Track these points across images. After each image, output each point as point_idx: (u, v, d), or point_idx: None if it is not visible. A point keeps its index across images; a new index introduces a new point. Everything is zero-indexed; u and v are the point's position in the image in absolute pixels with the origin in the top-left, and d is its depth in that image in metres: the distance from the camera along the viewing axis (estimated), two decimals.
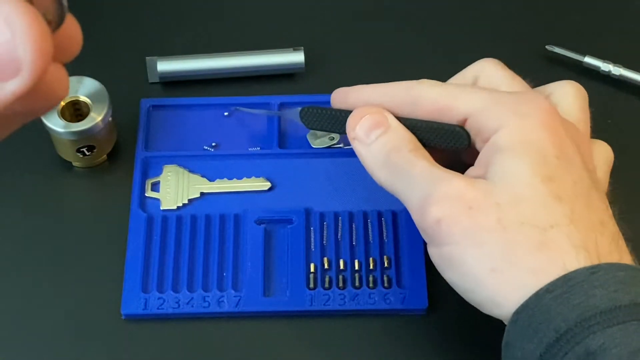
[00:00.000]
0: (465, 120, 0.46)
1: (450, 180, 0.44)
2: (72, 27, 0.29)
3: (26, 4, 0.25)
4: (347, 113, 0.50)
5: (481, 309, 0.44)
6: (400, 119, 0.48)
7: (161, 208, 0.56)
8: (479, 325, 0.53)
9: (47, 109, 0.29)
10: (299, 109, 0.53)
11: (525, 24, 0.67)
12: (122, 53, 0.64)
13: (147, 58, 0.62)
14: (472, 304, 0.45)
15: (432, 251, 0.46)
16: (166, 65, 0.62)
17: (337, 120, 0.51)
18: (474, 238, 0.43)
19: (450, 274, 0.45)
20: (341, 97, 0.52)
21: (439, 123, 0.47)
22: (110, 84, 0.57)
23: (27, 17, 0.25)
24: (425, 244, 0.55)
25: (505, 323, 0.43)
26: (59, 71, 0.28)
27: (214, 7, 0.67)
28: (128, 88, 0.61)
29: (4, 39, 0.25)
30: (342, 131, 0.51)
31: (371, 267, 0.54)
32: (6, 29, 0.25)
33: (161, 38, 0.65)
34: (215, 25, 0.66)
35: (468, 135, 0.46)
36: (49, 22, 0.27)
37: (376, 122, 0.48)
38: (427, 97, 0.48)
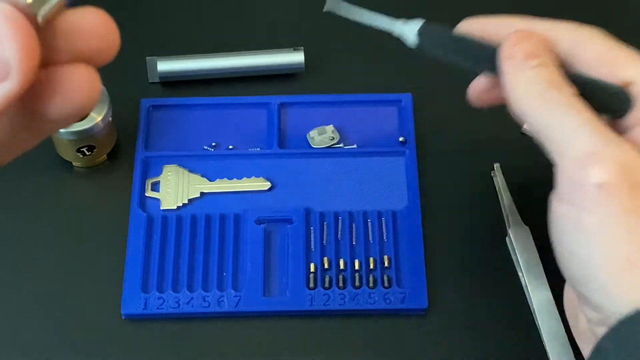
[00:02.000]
0: (626, 85, 0.42)
1: (623, 146, 0.40)
2: (101, 27, 0.28)
3: (7, 5, 0.25)
4: (488, 46, 0.44)
5: (583, 292, 0.40)
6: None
7: (161, 208, 0.56)
8: (478, 325, 0.53)
9: (77, 113, 0.28)
10: (419, 24, 0.45)
11: None
12: (122, 53, 0.63)
13: (147, 58, 0.62)
14: (574, 283, 0.41)
15: (561, 208, 0.41)
16: (166, 65, 0.62)
17: (473, 52, 0.44)
18: (627, 220, 0.38)
19: (572, 243, 0.40)
20: (482, 25, 0.45)
21: (599, 80, 0.42)
22: (110, 84, 0.57)
23: (10, 19, 0.25)
24: (424, 240, 0.55)
25: (601, 324, 0.40)
26: (83, 73, 0.27)
27: (214, 7, 0.67)
28: (128, 88, 0.61)
29: None
30: (474, 65, 0.45)
31: (371, 267, 0.54)
32: None
33: (161, 38, 0.65)
34: (215, 25, 0.66)
35: (630, 102, 0.41)
36: (49, 16, 0.26)
37: (538, 51, 0.43)
38: (593, 42, 0.43)
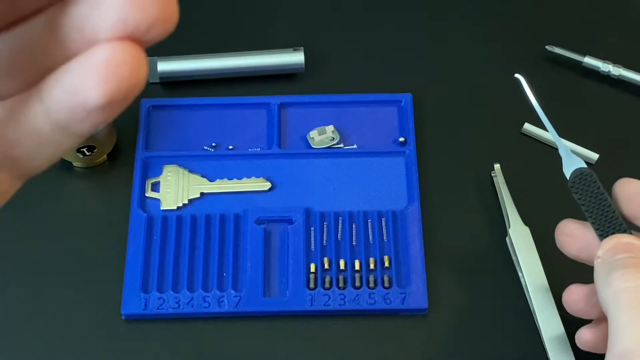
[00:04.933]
0: None
1: None
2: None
3: None
4: (616, 222, 0.44)
5: None
6: None
7: (161, 208, 0.56)
8: (478, 326, 0.53)
9: (121, 98, 0.23)
10: (579, 165, 0.45)
11: (525, 24, 0.67)
12: None
13: (147, 58, 0.62)
14: None
15: None
16: (166, 66, 0.62)
17: (602, 217, 0.44)
18: None
19: None
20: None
21: None
22: None
23: None
24: (424, 240, 0.55)
25: None
26: (127, 50, 0.23)
27: (214, 7, 0.67)
28: None
29: None
30: (595, 227, 0.44)
31: (371, 267, 0.54)
32: None
33: None
34: (215, 25, 0.66)
35: None
36: None
37: (628, 248, 0.42)
38: None
